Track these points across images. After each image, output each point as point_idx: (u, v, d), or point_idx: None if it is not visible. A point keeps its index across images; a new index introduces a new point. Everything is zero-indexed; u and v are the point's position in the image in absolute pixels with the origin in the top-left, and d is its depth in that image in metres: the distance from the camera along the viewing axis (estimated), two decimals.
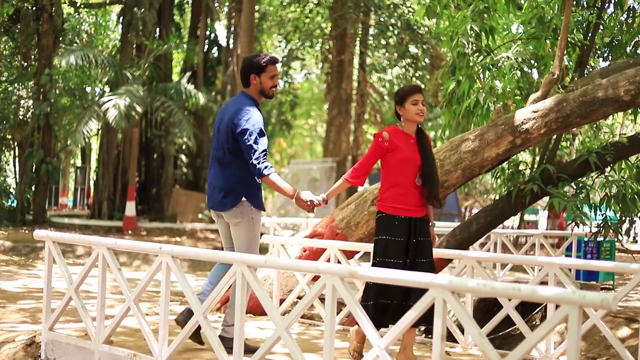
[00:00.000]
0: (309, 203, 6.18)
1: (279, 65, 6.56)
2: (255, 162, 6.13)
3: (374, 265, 6.03)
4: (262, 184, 6.44)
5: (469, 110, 9.30)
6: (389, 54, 31.29)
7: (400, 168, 6.04)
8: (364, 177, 6.23)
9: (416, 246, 6.02)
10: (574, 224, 9.18)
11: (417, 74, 30.69)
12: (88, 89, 33.34)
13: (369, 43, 32.07)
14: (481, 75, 9.76)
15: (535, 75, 10.26)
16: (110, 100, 25.51)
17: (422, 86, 31.59)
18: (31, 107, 27.13)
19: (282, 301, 8.74)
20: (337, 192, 6.50)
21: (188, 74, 31.90)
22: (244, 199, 6.35)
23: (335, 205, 27.21)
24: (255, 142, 6.17)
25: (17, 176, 28.24)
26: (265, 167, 6.14)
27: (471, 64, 9.76)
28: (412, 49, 30.02)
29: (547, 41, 9.82)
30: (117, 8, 35.59)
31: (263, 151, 6.18)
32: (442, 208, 28.38)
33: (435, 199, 6.11)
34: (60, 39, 27.84)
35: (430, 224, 6.23)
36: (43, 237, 6.86)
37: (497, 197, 9.88)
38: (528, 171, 9.88)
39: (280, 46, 37.55)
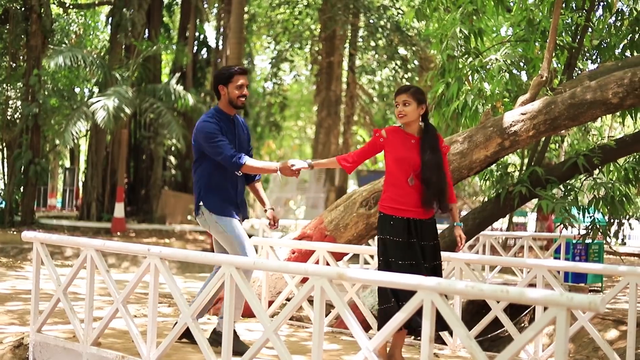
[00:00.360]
0: (293, 168, 6.25)
1: (245, 76, 6.59)
2: (228, 157, 6.28)
3: (378, 265, 6.02)
4: (241, 191, 6.54)
5: (457, 112, 9.31)
6: (379, 56, 31.33)
7: (396, 167, 6.03)
8: (354, 164, 6.21)
9: (422, 250, 6.02)
10: (562, 226, 9.20)
11: (406, 76, 30.72)
12: (77, 90, 33.24)
13: (359, 45, 32.09)
14: (470, 78, 9.77)
15: (524, 77, 10.28)
16: (99, 101, 25.45)
17: None
18: (20, 107, 27.03)
19: (270, 303, 8.72)
20: (325, 165, 6.64)
21: (177, 75, 31.87)
22: (202, 205, 6.51)
23: (325, 207, 27.24)
24: (217, 143, 6.33)
25: (5, 177, 28.18)
26: (239, 157, 6.30)
27: (460, 66, 9.77)
28: (402, 50, 30.06)
29: (536, 43, 9.84)
30: (106, 9, 35.55)
31: (227, 145, 6.33)
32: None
33: (438, 202, 6.09)
34: (49, 39, 27.77)
35: (456, 223, 6.24)
36: (31, 239, 6.84)
37: (486, 199, 9.89)
38: (517, 173, 9.90)
39: (269, 47, 37.54)
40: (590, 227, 9.52)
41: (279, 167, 6.29)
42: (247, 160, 6.32)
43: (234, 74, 6.50)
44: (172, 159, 37.32)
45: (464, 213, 32.93)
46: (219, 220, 6.42)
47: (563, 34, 9.99)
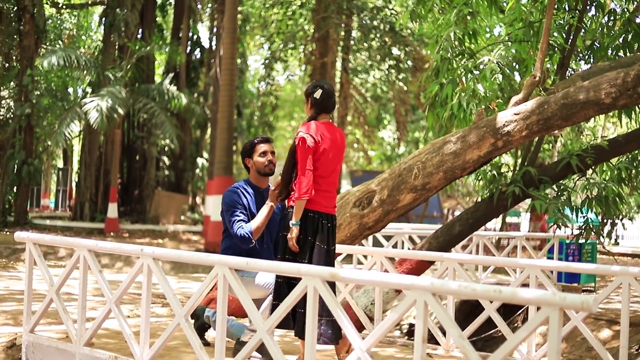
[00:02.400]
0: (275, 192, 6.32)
1: (268, 144, 6.67)
2: (237, 236, 6.33)
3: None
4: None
5: (451, 113, 9.31)
6: (372, 58, 31.35)
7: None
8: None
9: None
10: (555, 226, 9.21)
11: (400, 76, 30.75)
12: (70, 90, 33.23)
13: (352, 45, 32.10)
14: (463, 79, 9.77)
15: (517, 77, 10.29)
16: (92, 101, 25.39)
17: (405, 88, 31.69)
18: (12, 108, 26.97)
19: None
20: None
21: (170, 75, 31.86)
22: None
23: None
24: (231, 217, 6.42)
25: None
26: (246, 233, 6.32)
27: (454, 66, 9.77)
28: (395, 51, 30.08)
29: (529, 43, 9.85)
30: (99, 9, 35.49)
31: (238, 221, 6.36)
32: (424, 209, 28.47)
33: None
34: (42, 39, 27.72)
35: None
36: (24, 239, 6.83)
37: (479, 200, 9.90)
38: (510, 173, 9.90)
39: (263, 48, 37.54)
40: (583, 227, 9.53)
41: (271, 204, 6.38)
42: (252, 229, 6.33)
43: (255, 144, 6.63)
44: (165, 159, 37.29)
45: (457, 213, 32.98)
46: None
47: (556, 34, 9.99)
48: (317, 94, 6.05)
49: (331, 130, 6.03)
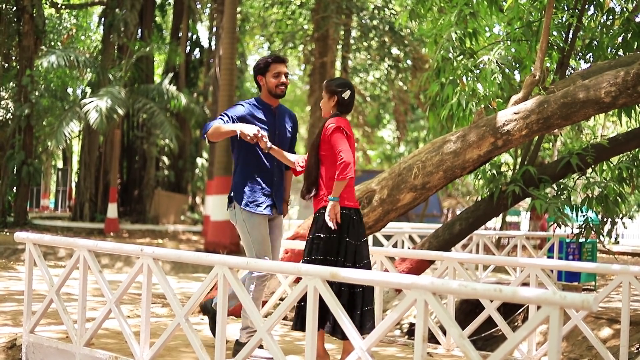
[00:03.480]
0: (252, 135, 6.00)
1: (282, 64, 6.44)
2: (206, 124, 6.30)
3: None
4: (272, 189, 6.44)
5: (452, 113, 9.32)
6: (371, 58, 31.34)
7: None
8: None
9: None
10: (555, 225, 9.21)
11: (399, 76, 30.74)
12: (69, 90, 33.18)
13: (351, 45, 32.09)
14: (464, 78, 9.77)
15: (517, 77, 10.29)
16: (92, 101, 25.36)
17: (405, 88, 31.70)
18: (12, 108, 26.96)
19: (264, 303, 8.71)
20: (280, 157, 6.41)
21: (170, 75, 31.82)
22: (233, 197, 6.40)
23: None
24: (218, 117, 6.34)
25: None
26: (207, 127, 6.24)
27: (455, 65, 9.77)
28: (394, 50, 30.07)
29: (528, 43, 9.85)
30: (98, 9, 35.48)
31: (216, 120, 6.26)
32: (424, 209, 28.47)
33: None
34: (42, 40, 27.69)
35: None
36: (24, 239, 6.83)
37: (479, 199, 9.90)
38: (510, 172, 9.91)
39: (262, 48, 37.52)
40: (583, 226, 9.53)
41: (240, 131, 6.02)
42: (211, 127, 6.21)
43: (270, 62, 6.40)
44: (165, 159, 37.28)
45: (457, 212, 32.99)
46: (246, 220, 6.29)
47: (555, 33, 9.99)
48: (346, 94, 5.99)
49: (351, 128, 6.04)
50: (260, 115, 6.40)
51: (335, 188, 5.74)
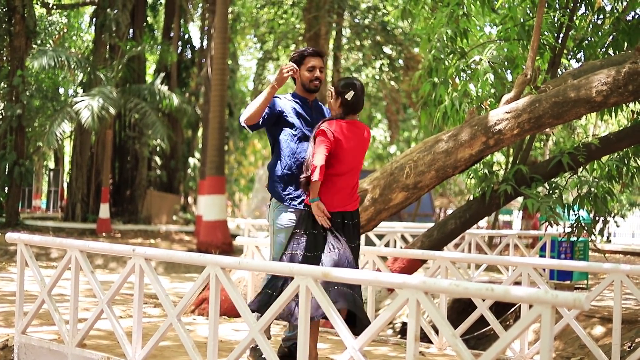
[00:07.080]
0: (287, 70, 5.93)
1: (318, 58, 6.22)
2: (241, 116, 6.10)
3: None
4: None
5: (444, 112, 9.33)
6: (364, 57, 31.34)
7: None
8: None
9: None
10: (547, 224, 9.23)
11: (392, 75, 30.75)
12: (61, 91, 33.10)
13: (343, 44, 32.08)
14: (456, 78, 9.78)
15: (509, 76, 10.30)
16: (83, 101, 25.33)
17: (397, 87, 31.70)
18: (3, 109, 26.89)
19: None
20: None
21: (162, 75, 31.77)
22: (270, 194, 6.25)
23: None
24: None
25: None
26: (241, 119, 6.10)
27: (447, 65, 9.78)
28: (387, 50, 30.07)
29: (520, 42, 9.87)
30: (89, 9, 35.41)
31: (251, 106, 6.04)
32: (416, 208, 28.54)
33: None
34: (33, 40, 27.62)
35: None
36: (15, 240, 6.82)
37: (471, 198, 9.92)
38: (502, 172, 9.92)
39: (254, 47, 37.49)
40: (575, 225, 9.55)
41: (276, 82, 5.92)
42: (245, 112, 6.03)
43: (305, 56, 6.18)
44: (157, 159, 37.22)
45: (449, 211, 33.04)
46: (275, 220, 6.11)
47: (547, 32, 10.01)
48: (349, 95, 5.87)
49: (356, 129, 5.93)
50: (299, 109, 6.23)
51: (311, 189, 5.74)
